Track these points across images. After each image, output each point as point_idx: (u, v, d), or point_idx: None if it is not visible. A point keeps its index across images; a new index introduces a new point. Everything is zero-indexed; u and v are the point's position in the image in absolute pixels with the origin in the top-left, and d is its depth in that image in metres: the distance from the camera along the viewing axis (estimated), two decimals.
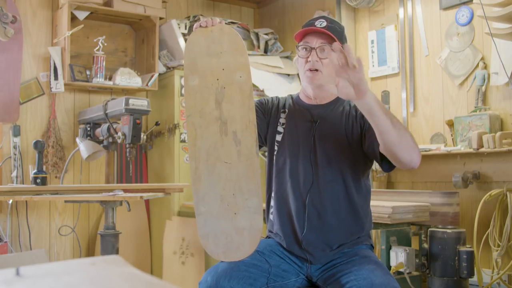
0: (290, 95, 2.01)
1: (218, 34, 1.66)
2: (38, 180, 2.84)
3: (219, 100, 1.64)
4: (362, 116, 1.75)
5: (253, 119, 1.65)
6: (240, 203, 1.62)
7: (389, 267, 2.56)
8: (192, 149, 1.63)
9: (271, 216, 1.92)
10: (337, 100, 1.90)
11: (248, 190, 1.62)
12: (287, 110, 1.93)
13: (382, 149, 1.66)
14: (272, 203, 1.91)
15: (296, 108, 1.92)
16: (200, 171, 1.62)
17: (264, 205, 1.89)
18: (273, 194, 1.90)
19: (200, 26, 1.66)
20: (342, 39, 1.85)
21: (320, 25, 1.82)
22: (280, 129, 1.90)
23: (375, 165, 3.49)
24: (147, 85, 3.78)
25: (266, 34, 4.39)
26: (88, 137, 3.49)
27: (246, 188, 1.62)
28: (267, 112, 1.93)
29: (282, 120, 1.91)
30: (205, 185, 1.62)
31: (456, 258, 2.58)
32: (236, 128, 1.64)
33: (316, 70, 1.81)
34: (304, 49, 1.83)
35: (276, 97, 2.01)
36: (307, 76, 1.84)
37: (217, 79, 1.65)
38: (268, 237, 1.95)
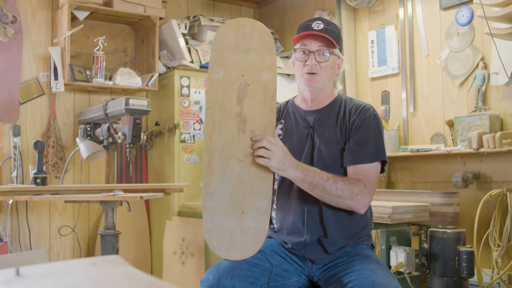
0: (287, 101, 2.01)
1: (249, 30, 1.63)
2: (38, 180, 2.84)
3: (241, 96, 1.62)
4: (350, 130, 1.80)
5: (273, 121, 1.63)
6: (249, 203, 1.60)
7: (389, 267, 2.56)
8: (208, 143, 1.61)
9: (272, 222, 1.92)
10: (334, 102, 1.90)
11: (258, 191, 1.60)
12: (283, 121, 1.93)
13: None
14: (273, 212, 1.91)
15: (293, 115, 1.92)
16: (213, 166, 1.60)
17: None
18: (275, 201, 1.90)
19: None
20: (339, 41, 1.85)
21: (317, 27, 1.81)
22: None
23: None
24: (147, 85, 3.78)
25: None
26: (88, 137, 3.49)
27: (257, 188, 1.60)
28: None
29: (278, 132, 1.91)
30: (216, 180, 1.60)
31: (456, 258, 2.58)
32: (255, 127, 1.61)
33: (314, 73, 1.81)
34: (302, 52, 1.83)
35: None
36: (305, 79, 1.84)
37: (242, 75, 1.62)
38: (269, 237, 1.95)
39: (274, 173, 1.68)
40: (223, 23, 4.11)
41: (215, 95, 1.62)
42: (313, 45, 1.81)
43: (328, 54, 1.81)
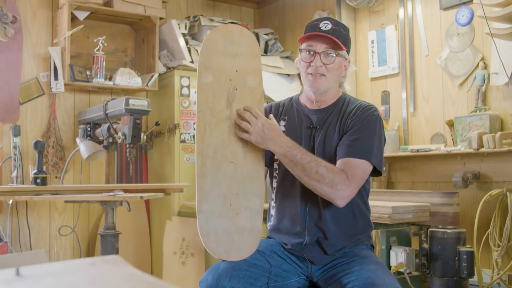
0: (290, 98, 2.00)
1: (238, 36, 1.69)
2: (38, 180, 2.84)
3: (230, 100, 1.66)
4: (347, 129, 1.78)
5: None
6: (243, 203, 1.63)
7: (389, 267, 2.56)
8: (200, 145, 1.63)
9: (271, 223, 1.92)
10: (337, 102, 1.88)
11: (252, 191, 1.63)
12: (286, 118, 1.92)
13: None
14: (272, 210, 1.91)
15: (296, 114, 1.91)
16: (206, 168, 1.63)
17: (266, 206, 1.89)
18: (274, 201, 1.90)
19: None
20: (346, 42, 1.82)
21: (325, 27, 1.78)
22: None
23: None
24: (147, 85, 3.78)
25: (266, 34, 4.39)
26: (88, 137, 3.49)
27: (250, 189, 1.63)
28: None
29: (282, 128, 1.89)
30: (209, 182, 1.62)
31: (456, 258, 2.58)
32: None
33: (321, 74, 1.80)
34: (308, 53, 1.80)
35: (270, 105, 1.98)
36: (308, 80, 1.82)
37: (230, 80, 1.67)
38: (269, 237, 1.95)
39: (265, 173, 1.70)
40: (224, 23, 4.11)
41: (205, 98, 1.65)
42: (319, 46, 1.78)
43: (334, 56, 1.79)
